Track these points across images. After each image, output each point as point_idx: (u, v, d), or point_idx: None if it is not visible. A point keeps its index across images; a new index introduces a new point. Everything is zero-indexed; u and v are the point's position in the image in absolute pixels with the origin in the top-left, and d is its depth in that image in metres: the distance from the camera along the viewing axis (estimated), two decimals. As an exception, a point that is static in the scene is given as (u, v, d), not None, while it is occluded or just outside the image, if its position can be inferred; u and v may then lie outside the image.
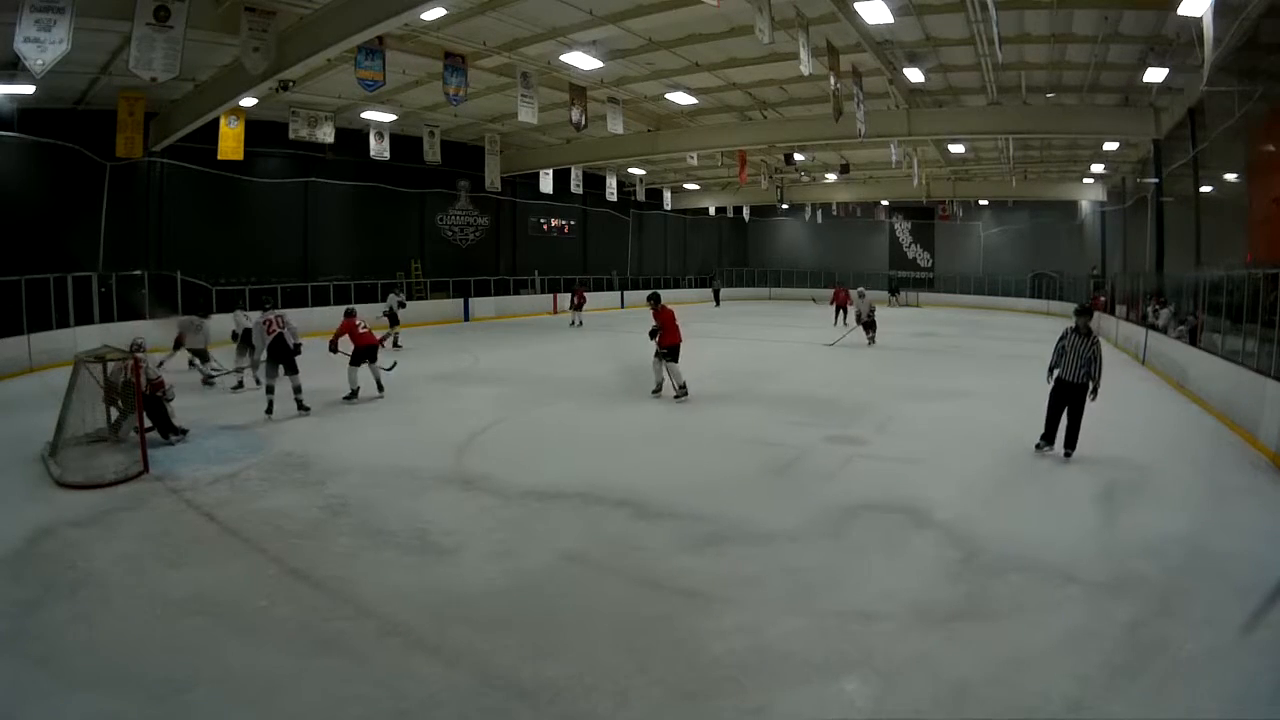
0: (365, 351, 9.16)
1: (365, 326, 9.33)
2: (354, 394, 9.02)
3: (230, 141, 15.00)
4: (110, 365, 6.54)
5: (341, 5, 9.58)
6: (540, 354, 13.61)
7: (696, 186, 31.02)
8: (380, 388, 9.27)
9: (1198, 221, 14.32)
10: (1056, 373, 6.63)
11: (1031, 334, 19.56)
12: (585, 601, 3.75)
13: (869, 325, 15.38)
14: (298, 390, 8.22)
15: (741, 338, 16.52)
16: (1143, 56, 12.24)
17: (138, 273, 14.73)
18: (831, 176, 27.76)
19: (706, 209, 33.35)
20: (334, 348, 9.10)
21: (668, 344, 9.12)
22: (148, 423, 6.49)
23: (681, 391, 9.07)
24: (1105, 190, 25.59)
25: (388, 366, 9.72)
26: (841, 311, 18.41)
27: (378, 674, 3.07)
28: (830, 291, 20.59)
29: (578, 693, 2.94)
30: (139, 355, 6.74)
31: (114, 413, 6.79)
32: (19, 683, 2.99)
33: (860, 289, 16.93)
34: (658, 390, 9.34)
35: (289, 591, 3.84)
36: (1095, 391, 6.41)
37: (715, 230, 36.37)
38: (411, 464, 6.21)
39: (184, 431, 7.01)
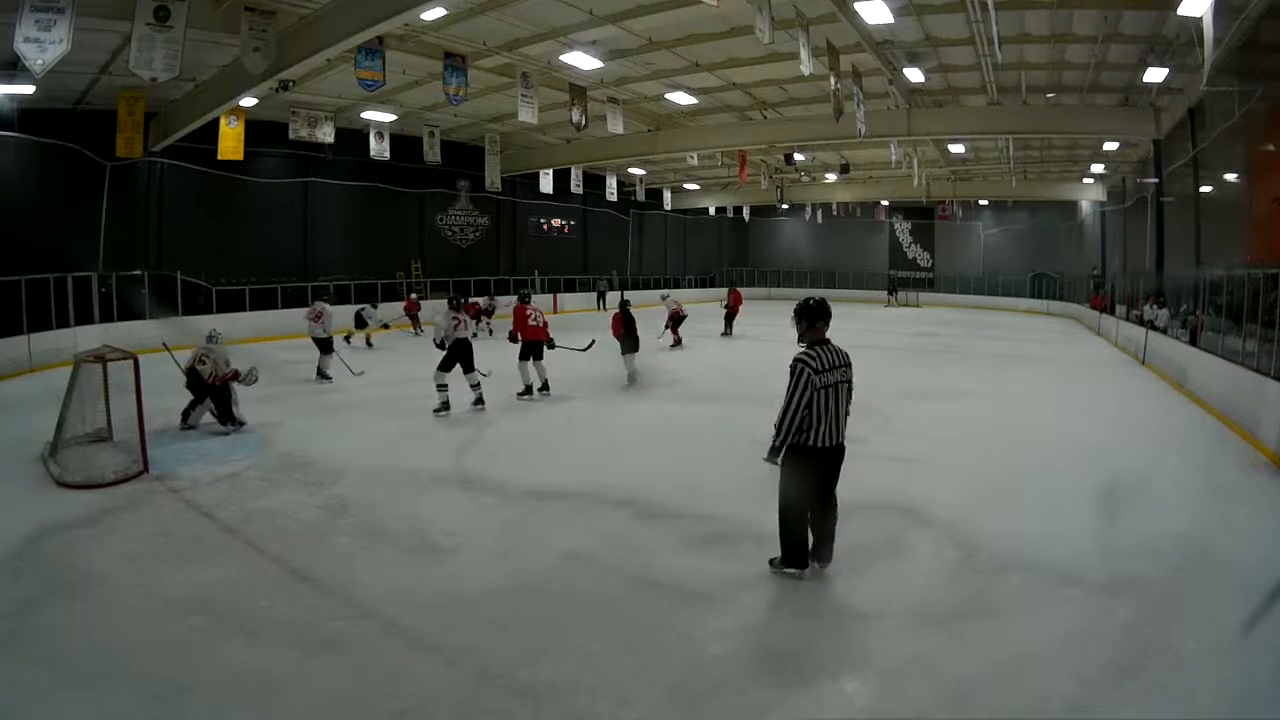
0: (530, 347, 8.83)
1: (536, 317, 8.89)
2: (528, 390, 8.86)
3: (230, 141, 14.99)
4: (187, 354, 7.38)
5: (341, 5, 9.58)
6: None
7: (696, 186, 31.01)
8: (545, 387, 9.02)
9: (1198, 221, 14.32)
10: None
11: (1032, 334, 19.59)
12: (585, 602, 3.75)
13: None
14: None
15: (742, 337, 16.52)
16: (1143, 56, 12.24)
17: (138, 273, 14.72)
18: (831, 176, 27.75)
19: (706, 209, 33.35)
20: (514, 338, 8.93)
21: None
22: (213, 407, 7.27)
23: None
24: (1105, 190, 25.58)
25: (583, 348, 9.41)
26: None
27: (378, 674, 3.07)
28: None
29: (578, 693, 2.94)
30: (210, 347, 7.38)
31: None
32: (19, 683, 2.99)
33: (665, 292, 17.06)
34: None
35: (289, 591, 3.84)
36: None
37: (715, 230, 36.38)
38: (411, 464, 6.21)
39: (241, 424, 7.36)
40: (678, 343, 14.58)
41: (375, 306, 15.50)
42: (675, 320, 14.73)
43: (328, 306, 10.88)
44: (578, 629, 3.45)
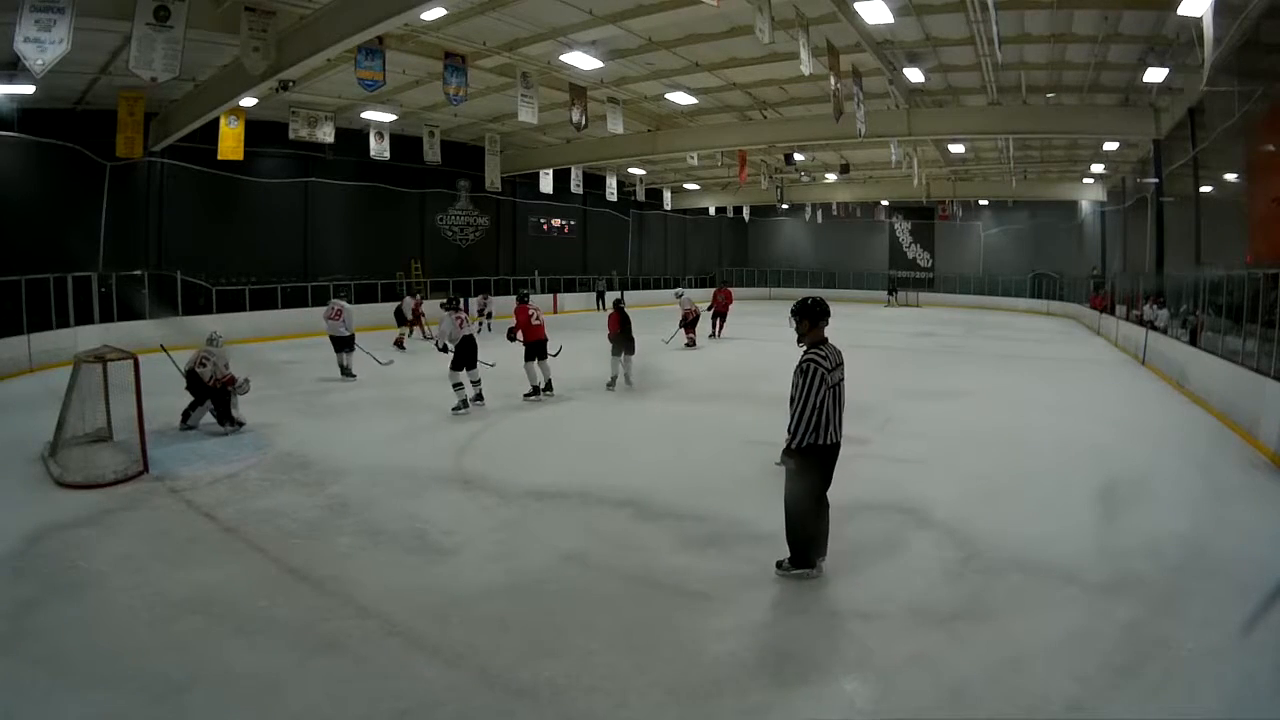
0: (535, 346, 8.90)
1: (538, 317, 9.02)
2: (535, 390, 8.91)
3: (230, 141, 14.99)
4: (186, 353, 7.44)
5: (341, 5, 9.57)
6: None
7: (696, 186, 31.01)
8: (549, 387, 9.05)
9: (1198, 221, 14.31)
10: None
11: (1031, 334, 19.59)
12: (585, 601, 3.75)
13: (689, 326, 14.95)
14: None
15: (741, 338, 16.51)
16: (1143, 56, 12.23)
17: (138, 273, 14.74)
18: (831, 176, 27.74)
19: (706, 209, 33.35)
20: (513, 336, 8.97)
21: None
22: (213, 408, 7.30)
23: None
24: (1105, 190, 25.58)
25: (554, 352, 9.49)
26: (719, 319, 16.75)
27: (378, 674, 3.07)
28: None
29: (577, 693, 2.94)
30: (210, 350, 7.44)
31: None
32: (19, 683, 2.99)
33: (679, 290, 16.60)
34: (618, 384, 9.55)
35: (289, 591, 3.84)
36: None
37: (715, 230, 36.37)
38: (411, 464, 6.21)
39: (240, 424, 7.37)
40: (691, 343, 14.61)
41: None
42: (689, 320, 14.74)
43: (347, 305, 10.89)
44: (578, 629, 3.45)
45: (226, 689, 2.96)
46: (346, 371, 10.52)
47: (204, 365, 7.29)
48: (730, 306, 17.09)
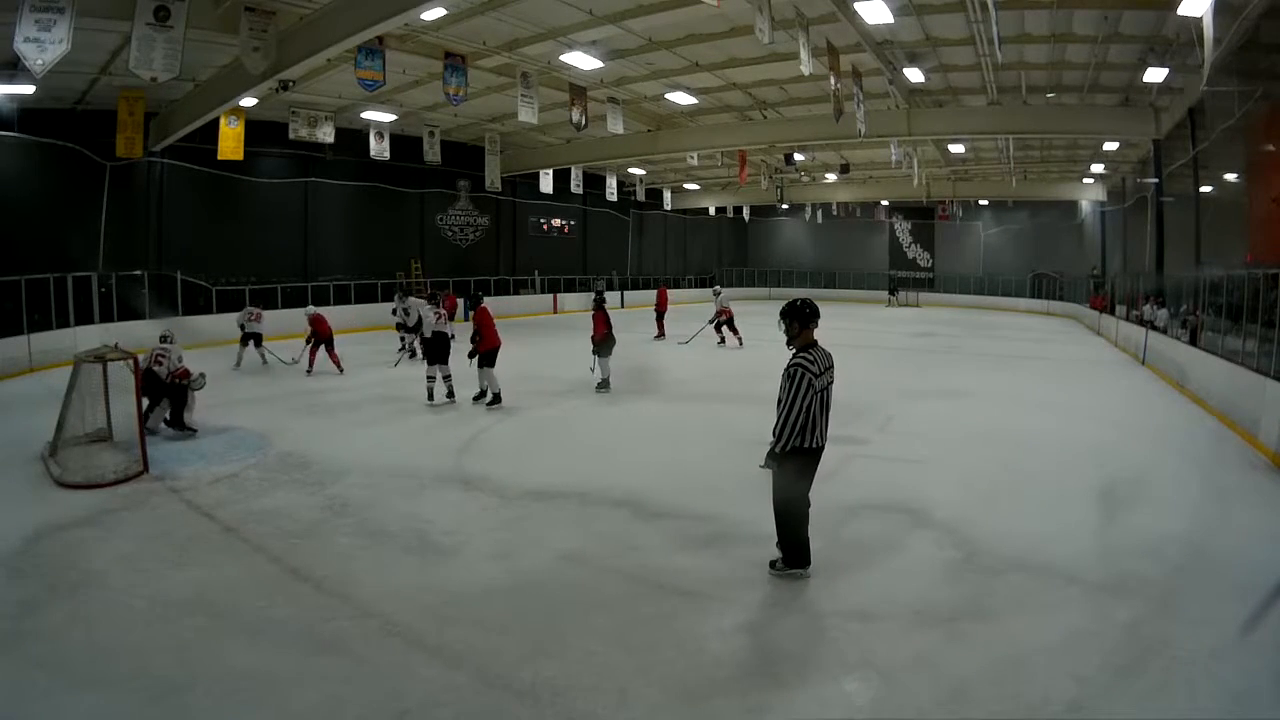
0: (490, 354, 8.61)
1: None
2: (494, 398, 8.61)
3: (230, 141, 14.99)
4: (142, 355, 6.94)
5: (341, 5, 9.57)
6: (540, 353, 13.59)
7: (696, 186, 31.01)
8: (492, 398, 8.66)
9: (1198, 221, 14.32)
10: None
11: (1031, 334, 19.59)
12: (585, 601, 3.75)
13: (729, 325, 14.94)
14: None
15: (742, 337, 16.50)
16: (1143, 56, 12.24)
17: (138, 273, 14.74)
18: (831, 176, 27.76)
19: (706, 209, 33.35)
20: (482, 339, 8.64)
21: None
22: (168, 411, 7.11)
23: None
24: (1105, 190, 25.60)
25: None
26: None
27: (378, 674, 3.07)
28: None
29: (577, 692, 2.94)
30: (165, 347, 7.27)
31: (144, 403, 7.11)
32: (19, 683, 2.99)
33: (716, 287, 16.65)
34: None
35: (289, 591, 3.84)
36: None
37: (715, 230, 36.38)
38: (411, 464, 6.21)
39: (192, 431, 7.16)
40: (722, 341, 14.74)
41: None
42: (726, 319, 14.81)
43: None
44: (577, 629, 3.45)
45: (226, 689, 2.96)
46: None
47: (160, 363, 7.08)
48: (667, 307, 16.98)
